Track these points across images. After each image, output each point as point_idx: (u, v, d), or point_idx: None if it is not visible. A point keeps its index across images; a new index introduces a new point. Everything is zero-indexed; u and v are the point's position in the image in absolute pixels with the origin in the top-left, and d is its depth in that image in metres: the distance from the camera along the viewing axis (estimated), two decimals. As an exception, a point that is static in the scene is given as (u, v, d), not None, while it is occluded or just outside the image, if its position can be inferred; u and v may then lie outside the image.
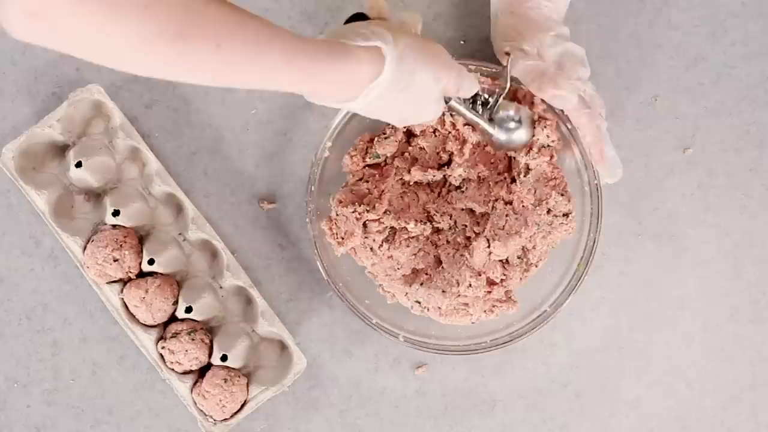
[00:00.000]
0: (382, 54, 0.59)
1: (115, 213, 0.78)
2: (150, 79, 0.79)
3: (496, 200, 0.78)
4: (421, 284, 0.77)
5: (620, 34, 0.83)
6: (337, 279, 0.78)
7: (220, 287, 0.82)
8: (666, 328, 0.84)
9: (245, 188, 0.83)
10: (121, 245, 0.78)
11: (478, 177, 0.78)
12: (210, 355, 0.79)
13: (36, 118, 0.80)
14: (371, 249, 0.77)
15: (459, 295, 0.76)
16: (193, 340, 0.78)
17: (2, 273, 0.81)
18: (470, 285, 0.75)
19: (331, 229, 0.76)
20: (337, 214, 0.76)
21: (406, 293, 0.77)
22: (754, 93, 0.84)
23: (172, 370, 0.79)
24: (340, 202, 0.76)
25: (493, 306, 0.77)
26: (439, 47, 0.65)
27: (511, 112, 0.74)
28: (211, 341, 0.80)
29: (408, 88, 0.61)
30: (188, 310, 0.79)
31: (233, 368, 0.79)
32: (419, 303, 0.77)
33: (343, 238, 0.76)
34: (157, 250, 0.79)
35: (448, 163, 0.78)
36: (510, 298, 0.78)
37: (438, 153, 0.78)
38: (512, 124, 0.74)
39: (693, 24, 0.83)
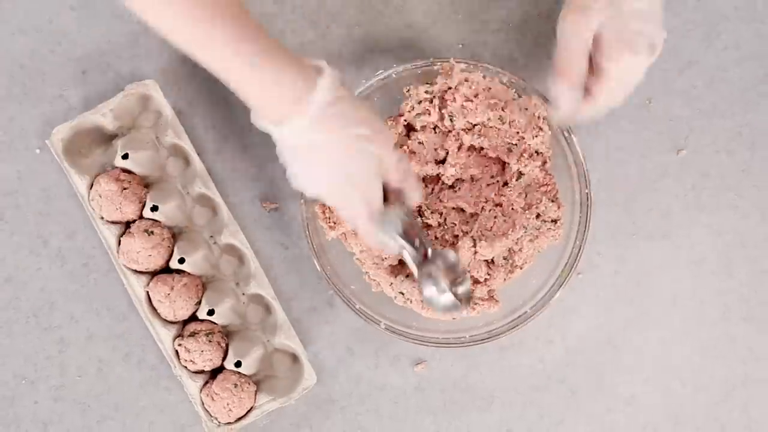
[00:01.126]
0: (320, 76, 0.60)
1: (154, 208, 0.79)
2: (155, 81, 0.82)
3: (486, 201, 0.79)
4: (407, 276, 0.78)
5: None
6: (325, 263, 0.79)
7: (242, 294, 0.83)
8: (660, 326, 0.85)
9: (248, 189, 0.84)
10: (156, 242, 0.79)
11: (471, 177, 0.79)
12: (224, 358, 0.80)
13: (83, 105, 0.82)
14: None
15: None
16: (210, 341, 0.79)
17: (10, 272, 0.82)
18: None
19: (324, 212, 0.77)
20: None
21: (391, 283, 0.78)
22: (746, 96, 0.85)
23: (185, 367, 0.80)
24: None
25: (476, 304, 0.78)
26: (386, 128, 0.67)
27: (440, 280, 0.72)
28: (227, 345, 0.81)
29: (339, 137, 0.62)
30: (210, 312, 0.79)
31: (245, 374, 0.80)
32: (403, 294, 0.78)
33: (335, 223, 0.77)
34: (188, 249, 0.80)
35: (444, 160, 0.79)
36: (492, 297, 0.78)
37: (436, 149, 0.79)
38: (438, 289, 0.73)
39: (686, 28, 0.84)
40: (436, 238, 0.79)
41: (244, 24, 0.58)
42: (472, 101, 0.76)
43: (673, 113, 0.85)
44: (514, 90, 0.78)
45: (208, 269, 0.82)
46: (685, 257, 0.85)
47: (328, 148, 0.63)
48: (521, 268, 0.78)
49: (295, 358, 0.82)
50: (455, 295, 0.73)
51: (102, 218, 0.80)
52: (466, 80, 0.76)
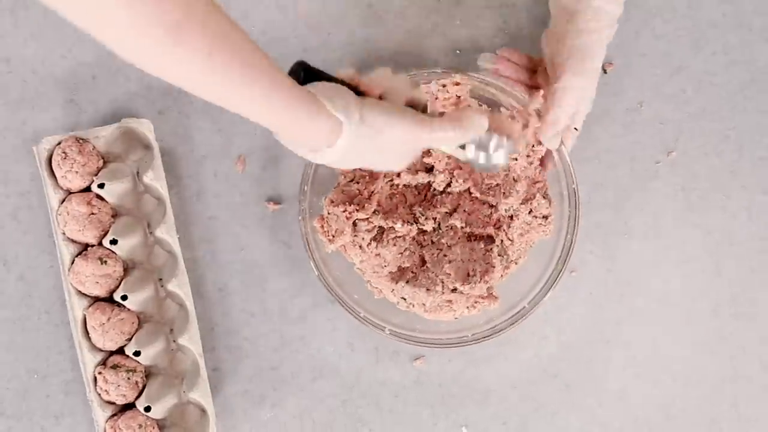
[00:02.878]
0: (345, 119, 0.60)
1: (113, 242, 0.80)
2: (163, 87, 0.84)
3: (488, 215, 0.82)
4: (407, 282, 0.80)
5: (608, 44, 0.85)
6: (328, 274, 0.81)
7: (174, 341, 0.84)
8: (651, 323, 0.86)
9: (253, 190, 0.86)
10: (106, 272, 0.81)
11: (469, 193, 0.81)
12: (137, 397, 0.81)
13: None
14: (360, 247, 0.80)
15: (443, 293, 0.79)
16: (128, 379, 0.81)
17: (24, 271, 0.84)
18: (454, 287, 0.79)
19: (322, 227, 0.79)
20: (328, 213, 0.79)
21: (393, 290, 0.80)
22: (734, 99, 0.86)
23: (98, 394, 0.81)
24: (332, 201, 0.79)
25: (476, 302, 0.80)
26: (407, 111, 0.65)
27: (493, 138, 0.72)
28: (144, 386, 0.82)
29: (372, 147, 0.63)
30: (137, 353, 0.81)
31: (153, 418, 0.81)
32: (405, 299, 0.80)
33: (333, 236, 0.79)
34: (135, 286, 0.81)
35: (432, 168, 0.81)
36: (491, 294, 0.81)
37: (423, 158, 0.81)
38: (492, 148, 0.72)
39: (676, 34, 0.86)
40: (432, 242, 0.82)
41: (275, 80, 0.56)
42: (447, 110, 0.78)
43: (663, 116, 0.86)
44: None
45: (148, 310, 0.83)
46: (675, 256, 0.86)
47: (363, 159, 0.66)
48: (516, 263, 0.81)
49: (203, 412, 0.83)
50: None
51: (64, 234, 0.81)
52: (443, 86, 0.77)
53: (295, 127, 0.59)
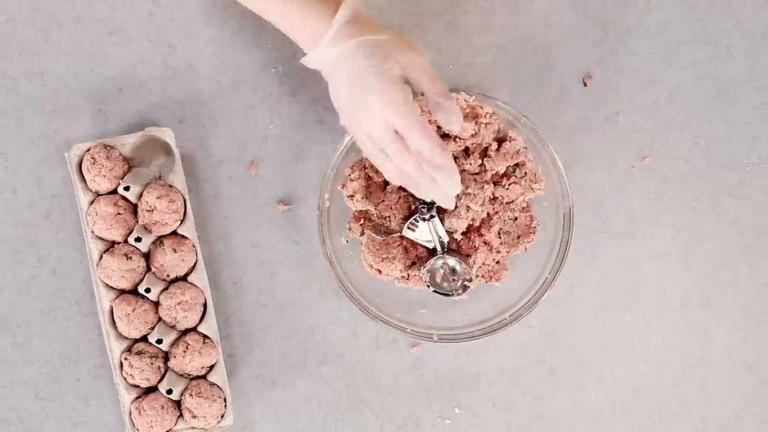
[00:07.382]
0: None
1: (138, 239, 0.85)
2: (183, 99, 0.88)
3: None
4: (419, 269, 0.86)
5: (588, 58, 0.89)
6: (351, 287, 0.86)
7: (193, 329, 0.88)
8: (627, 313, 0.90)
9: (264, 192, 0.89)
10: (131, 267, 0.85)
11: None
12: (160, 380, 0.86)
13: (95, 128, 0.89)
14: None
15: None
16: (151, 365, 0.85)
17: (55, 265, 0.89)
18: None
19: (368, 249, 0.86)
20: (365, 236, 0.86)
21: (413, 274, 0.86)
22: (703, 110, 0.90)
23: (124, 378, 0.86)
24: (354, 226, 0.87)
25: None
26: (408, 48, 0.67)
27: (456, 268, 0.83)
28: (166, 371, 0.87)
29: (349, 71, 0.67)
30: (159, 341, 0.86)
31: (173, 400, 0.86)
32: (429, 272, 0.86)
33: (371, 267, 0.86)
34: (157, 281, 0.86)
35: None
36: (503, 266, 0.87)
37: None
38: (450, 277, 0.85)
39: (650, 50, 0.90)
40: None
41: None
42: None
43: (638, 125, 0.90)
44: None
45: None
46: (649, 252, 0.90)
47: (349, 53, 0.68)
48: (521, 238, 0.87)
49: (220, 392, 0.88)
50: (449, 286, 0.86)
51: (92, 232, 0.86)
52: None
53: (299, 13, 0.68)
